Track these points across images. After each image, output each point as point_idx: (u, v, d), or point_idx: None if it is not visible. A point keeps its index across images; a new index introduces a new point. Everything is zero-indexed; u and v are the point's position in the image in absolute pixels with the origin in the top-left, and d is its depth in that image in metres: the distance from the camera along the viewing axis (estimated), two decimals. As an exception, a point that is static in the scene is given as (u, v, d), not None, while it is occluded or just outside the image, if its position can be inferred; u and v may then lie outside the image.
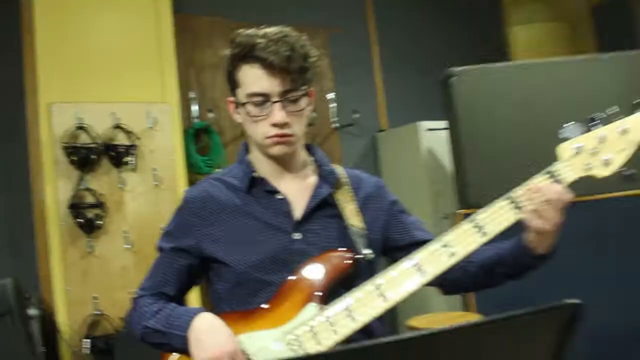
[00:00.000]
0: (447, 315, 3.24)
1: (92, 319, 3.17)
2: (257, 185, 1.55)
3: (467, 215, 3.15)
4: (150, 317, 1.50)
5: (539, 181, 1.41)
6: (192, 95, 4.14)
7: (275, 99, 1.46)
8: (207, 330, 1.40)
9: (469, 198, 3.22)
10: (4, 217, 3.58)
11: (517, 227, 1.43)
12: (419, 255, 1.40)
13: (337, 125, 4.75)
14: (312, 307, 1.41)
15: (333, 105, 4.74)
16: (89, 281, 3.20)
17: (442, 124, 3.86)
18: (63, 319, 3.16)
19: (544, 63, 3.28)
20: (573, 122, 1.42)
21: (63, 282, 3.18)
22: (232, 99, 1.56)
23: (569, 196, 1.38)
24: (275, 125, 1.47)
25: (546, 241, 1.42)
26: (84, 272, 3.20)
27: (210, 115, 4.14)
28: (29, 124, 3.53)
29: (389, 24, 5.17)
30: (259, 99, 1.47)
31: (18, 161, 3.56)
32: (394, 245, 1.61)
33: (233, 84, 1.53)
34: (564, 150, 1.43)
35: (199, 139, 4.10)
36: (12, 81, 3.58)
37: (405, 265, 1.40)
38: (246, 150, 1.62)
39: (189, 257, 1.56)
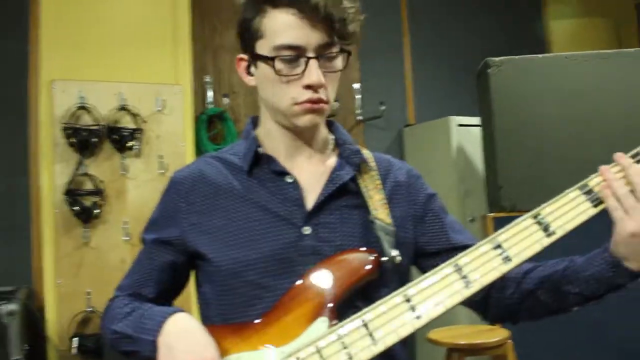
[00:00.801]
0: (473, 329, 2.94)
1: (83, 315, 2.95)
2: (262, 165, 1.25)
3: (497, 220, 2.95)
4: (120, 320, 1.21)
5: (624, 164, 1.10)
6: (207, 79, 3.89)
7: (311, 54, 1.15)
8: (180, 333, 1.11)
9: (501, 200, 2.97)
10: (1, 202, 3.38)
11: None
12: (464, 259, 1.10)
13: (362, 117, 4.48)
14: (321, 323, 1.11)
15: (358, 96, 4.47)
16: (83, 275, 2.98)
17: (475, 120, 3.61)
18: (52, 315, 2.95)
19: (591, 55, 2.99)
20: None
21: (54, 275, 2.96)
22: (243, 55, 1.25)
23: None
24: (309, 87, 1.16)
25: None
26: (78, 265, 2.98)
27: (226, 100, 3.88)
28: (30, 102, 3.31)
29: (421, 13, 4.90)
30: (291, 53, 1.15)
31: (18, 142, 3.36)
32: (425, 249, 1.30)
33: (251, 35, 1.20)
34: None
35: (212, 125, 3.86)
36: (18, 55, 3.36)
37: (445, 271, 1.09)
38: (254, 125, 1.32)
39: (173, 252, 1.26)
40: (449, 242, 1.30)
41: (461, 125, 4.18)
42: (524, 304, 1.24)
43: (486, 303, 1.25)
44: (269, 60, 1.17)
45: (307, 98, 1.17)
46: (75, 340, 2.84)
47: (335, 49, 1.17)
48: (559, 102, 2.94)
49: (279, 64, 1.16)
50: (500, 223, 2.94)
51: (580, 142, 2.87)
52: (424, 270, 1.29)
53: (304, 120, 1.19)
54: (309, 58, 1.15)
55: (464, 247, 1.25)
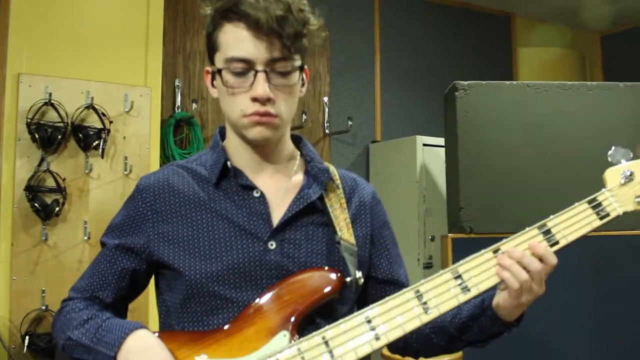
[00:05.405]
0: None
1: (36, 314, 2.88)
2: (229, 178, 1.26)
3: (455, 240, 3.00)
4: (76, 327, 1.21)
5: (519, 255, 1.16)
6: (177, 83, 3.88)
7: (260, 67, 1.18)
8: (140, 350, 1.12)
9: (460, 221, 3.00)
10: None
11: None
12: (425, 286, 1.14)
13: (329, 131, 4.51)
14: (282, 337, 1.13)
15: (327, 109, 4.50)
16: (39, 272, 2.91)
17: (440, 140, 3.66)
18: (4, 311, 2.87)
19: (552, 85, 3.06)
20: (620, 146, 1.19)
21: (9, 271, 2.89)
22: (208, 68, 1.28)
23: (555, 262, 1.15)
24: (256, 100, 1.18)
25: (520, 309, 1.19)
26: (34, 262, 2.92)
27: (194, 106, 3.88)
28: (-5, 95, 3.27)
29: (394, 32, 4.98)
30: (240, 65, 1.18)
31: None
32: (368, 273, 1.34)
33: (211, 48, 1.25)
34: (612, 176, 1.20)
35: (179, 130, 3.85)
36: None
37: (406, 295, 1.13)
38: (222, 136, 1.34)
39: (135, 260, 1.27)
40: (391, 275, 1.34)
41: (426, 145, 4.25)
42: (421, 344, 1.33)
43: None
44: (220, 72, 1.21)
45: (254, 110, 1.19)
46: (27, 338, 2.78)
47: (287, 64, 1.19)
48: (521, 129, 2.99)
49: (227, 76, 1.20)
50: (458, 244, 2.99)
51: (539, 169, 2.93)
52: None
53: (253, 133, 1.21)
54: (256, 71, 1.17)
55: (398, 283, 1.32)
